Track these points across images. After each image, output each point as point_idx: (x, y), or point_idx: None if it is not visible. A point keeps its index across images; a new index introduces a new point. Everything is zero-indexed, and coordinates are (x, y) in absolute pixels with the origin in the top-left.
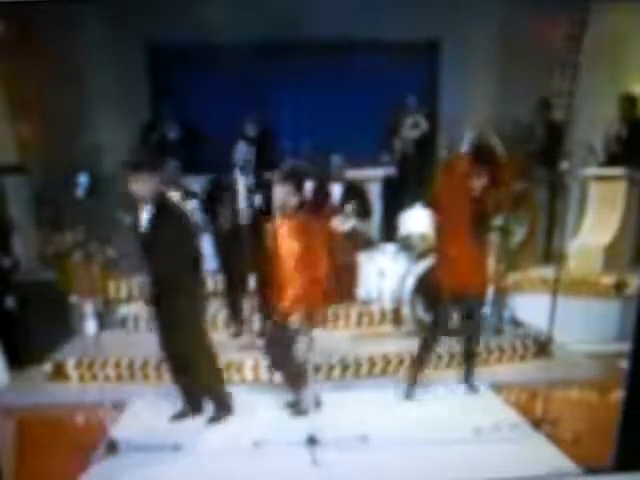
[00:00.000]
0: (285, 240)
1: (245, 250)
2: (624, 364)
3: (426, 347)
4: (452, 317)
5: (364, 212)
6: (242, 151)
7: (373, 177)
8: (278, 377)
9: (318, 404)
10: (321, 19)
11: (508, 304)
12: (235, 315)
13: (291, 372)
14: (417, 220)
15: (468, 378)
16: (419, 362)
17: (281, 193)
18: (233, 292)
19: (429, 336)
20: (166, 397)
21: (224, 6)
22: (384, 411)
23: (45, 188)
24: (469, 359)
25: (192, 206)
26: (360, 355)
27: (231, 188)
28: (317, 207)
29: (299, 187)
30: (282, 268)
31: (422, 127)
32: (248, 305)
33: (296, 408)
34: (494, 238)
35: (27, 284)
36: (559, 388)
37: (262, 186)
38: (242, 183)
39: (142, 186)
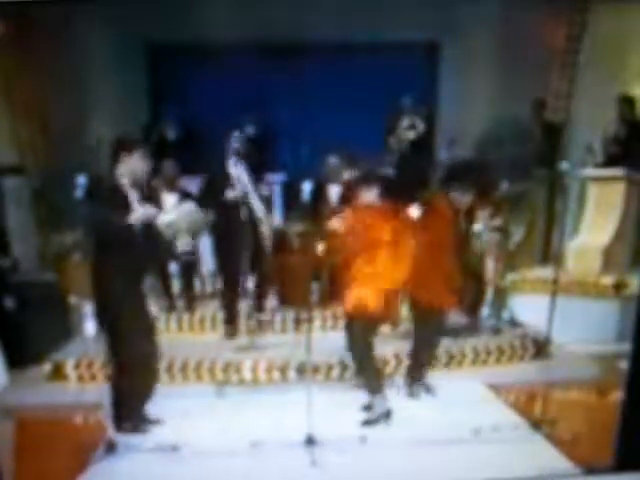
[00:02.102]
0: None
1: (244, 250)
2: (623, 364)
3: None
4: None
5: None
6: (237, 142)
7: None
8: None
9: (388, 415)
10: (321, 20)
11: (507, 304)
12: (231, 315)
13: (371, 373)
14: None
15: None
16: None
17: (369, 196)
18: (231, 293)
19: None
20: (164, 397)
21: (224, 7)
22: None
23: (45, 189)
24: (414, 366)
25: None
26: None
27: (229, 186)
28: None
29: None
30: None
31: (419, 128)
32: (247, 305)
33: (369, 413)
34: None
35: (27, 284)
36: (558, 388)
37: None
38: (240, 181)
39: (141, 165)
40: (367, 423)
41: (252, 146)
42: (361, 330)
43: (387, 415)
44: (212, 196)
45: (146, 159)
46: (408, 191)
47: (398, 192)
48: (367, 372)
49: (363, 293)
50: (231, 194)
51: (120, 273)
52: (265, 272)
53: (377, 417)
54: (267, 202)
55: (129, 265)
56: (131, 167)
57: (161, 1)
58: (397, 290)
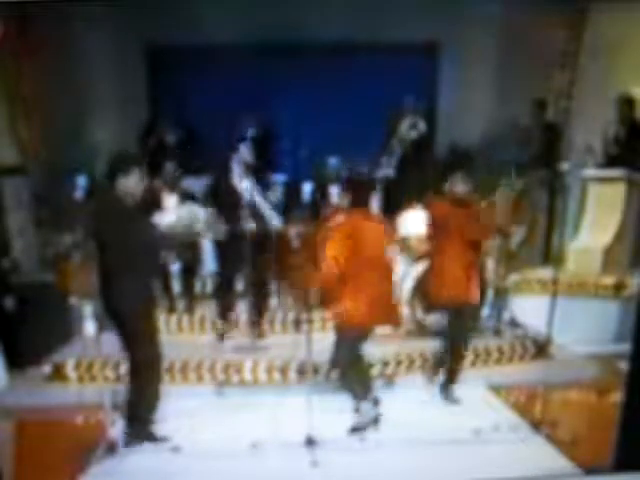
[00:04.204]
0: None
1: (247, 253)
2: (623, 365)
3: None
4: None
5: None
6: (243, 153)
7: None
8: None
9: (376, 421)
10: (321, 21)
11: (507, 305)
12: (225, 317)
13: (356, 382)
14: (416, 222)
15: (446, 387)
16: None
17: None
18: (230, 295)
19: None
20: (165, 397)
21: (224, 8)
22: (383, 412)
23: (44, 189)
24: (451, 366)
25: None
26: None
27: (231, 190)
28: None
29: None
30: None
31: (420, 128)
32: (247, 306)
33: (356, 418)
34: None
35: (26, 285)
36: (558, 389)
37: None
38: (243, 184)
39: (138, 183)
40: (354, 430)
41: (255, 149)
42: (348, 345)
43: (375, 421)
44: (219, 202)
45: (141, 180)
46: (409, 191)
47: (399, 192)
48: (352, 382)
49: (351, 305)
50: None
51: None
52: (265, 277)
53: (365, 423)
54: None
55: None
56: (127, 187)
57: (161, 3)
58: (388, 297)
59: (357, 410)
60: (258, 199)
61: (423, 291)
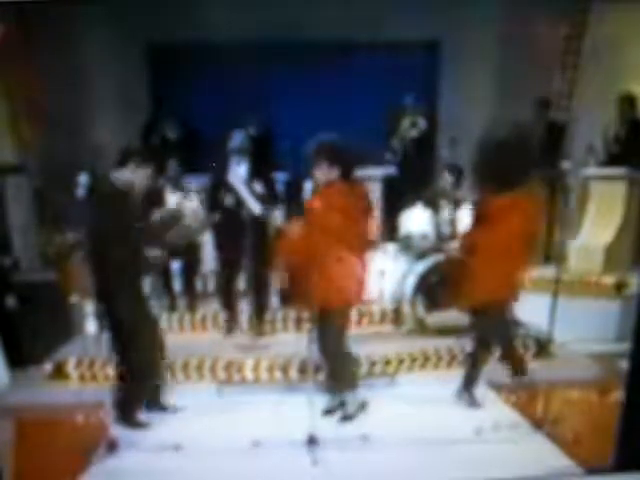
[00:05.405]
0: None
1: (247, 245)
2: (624, 364)
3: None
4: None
5: None
6: (235, 140)
7: (373, 177)
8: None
9: (363, 406)
10: (321, 20)
11: None
12: (231, 311)
13: (341, 370)
14: (417, 220)
15: (466, 386)
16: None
17: (318, 172)
18: (232, 288)
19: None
20: (166, 396)
21: (224, 7)
22: (384, 411)
23: (46, 188)
24: (471, 366)
25: (194, 205)
26: (360, 355)
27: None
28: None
29: (334, 161)
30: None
31: (421, 126)
32: (248, 304)
33: (340, 412)
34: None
35: (28, 284)
36: (559, 388)
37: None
38: (240, 178)
39: (143, 179)
40: (345, 419)
41: (254, 143)
42: (337, 328)
43: (363, 406)
44: (216, 198)
45: (147, 178)
46: (411, 189)
47: (401, 191)
48: (344, 370)
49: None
50: (230, 200)
51: (120, 271)
52: (266, 272)
53: (355, 411)
54: (269, 200)
55: (129, 264)
56: (132, 178)
57: (161, 1)
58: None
59: (342, 404)
60: (248, 186)
61: (426, 289)
